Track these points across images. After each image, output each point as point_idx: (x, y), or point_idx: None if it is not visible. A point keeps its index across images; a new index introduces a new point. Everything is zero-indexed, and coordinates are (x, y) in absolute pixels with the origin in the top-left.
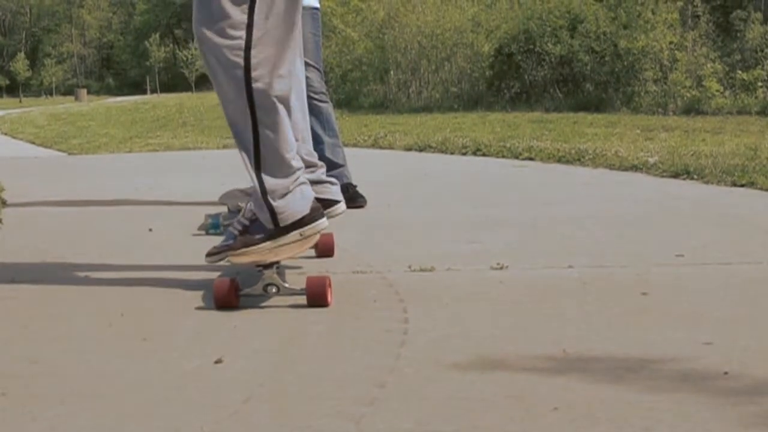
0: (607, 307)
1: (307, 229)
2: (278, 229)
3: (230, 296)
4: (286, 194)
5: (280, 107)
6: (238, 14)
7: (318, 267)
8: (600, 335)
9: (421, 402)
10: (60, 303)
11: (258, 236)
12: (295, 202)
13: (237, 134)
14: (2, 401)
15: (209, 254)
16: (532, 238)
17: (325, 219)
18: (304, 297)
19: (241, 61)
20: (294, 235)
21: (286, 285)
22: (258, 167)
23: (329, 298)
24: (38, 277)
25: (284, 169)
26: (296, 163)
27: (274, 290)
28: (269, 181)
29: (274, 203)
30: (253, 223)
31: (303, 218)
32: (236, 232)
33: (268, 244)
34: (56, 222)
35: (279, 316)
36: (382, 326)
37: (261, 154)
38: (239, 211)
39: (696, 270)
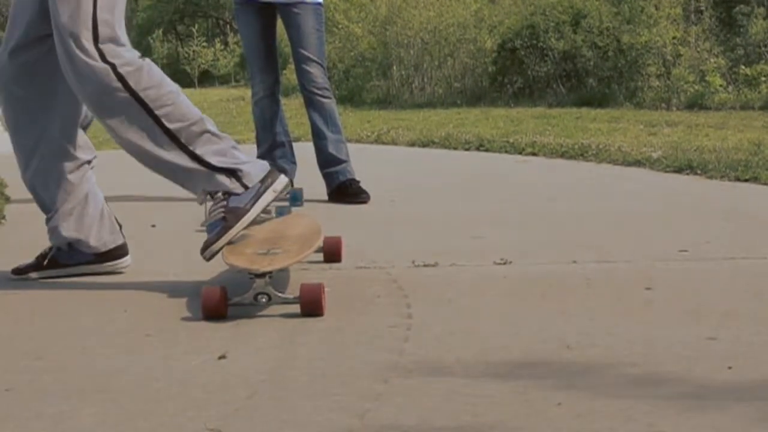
0: (611, 303)
1: (277, 183)
2: (254, 191)
3: (219, 306)
4: (233, 151)
5: (165, 83)
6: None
7: (320, 263)
8: (604, 330)
9: (425, 398)
10: (64, 299)
11: (241, 205)
12: (249, 163)
13: (150, 150)
14: (7, 397)
15: (204, 248)
16: (535, 233)
17: (284, 176)
18: (297, 306)
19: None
20: (269, 193)
21: (279, 294)
22: (184, 148)
23: (324, 307)
24: (41, 274)
25: (207, 137)
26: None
27: (264, 299)
28: (204, 149)
29: (234, 163)
30: (227, 201)
31: (266, 176)
32: (220, 217)
33: (257, 205)
34: None
35: (282, 313)
36: (385, 322)
37: (173, 132)
38: None
39: (700, 265)
